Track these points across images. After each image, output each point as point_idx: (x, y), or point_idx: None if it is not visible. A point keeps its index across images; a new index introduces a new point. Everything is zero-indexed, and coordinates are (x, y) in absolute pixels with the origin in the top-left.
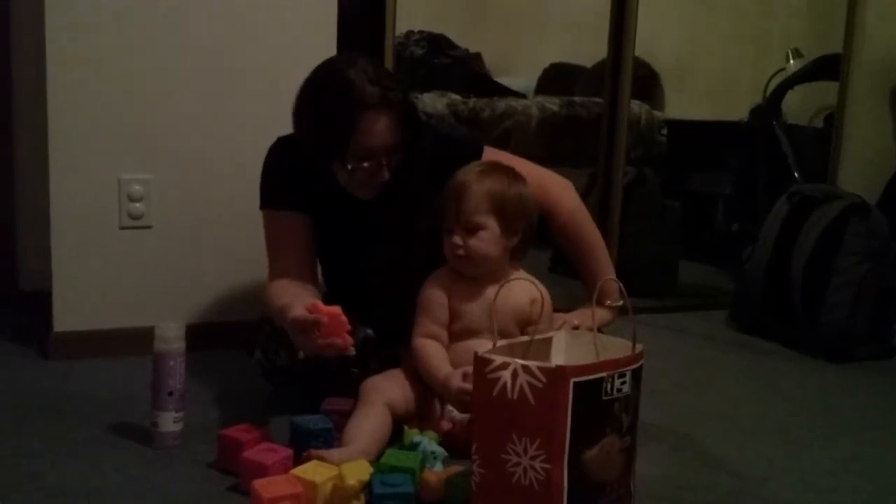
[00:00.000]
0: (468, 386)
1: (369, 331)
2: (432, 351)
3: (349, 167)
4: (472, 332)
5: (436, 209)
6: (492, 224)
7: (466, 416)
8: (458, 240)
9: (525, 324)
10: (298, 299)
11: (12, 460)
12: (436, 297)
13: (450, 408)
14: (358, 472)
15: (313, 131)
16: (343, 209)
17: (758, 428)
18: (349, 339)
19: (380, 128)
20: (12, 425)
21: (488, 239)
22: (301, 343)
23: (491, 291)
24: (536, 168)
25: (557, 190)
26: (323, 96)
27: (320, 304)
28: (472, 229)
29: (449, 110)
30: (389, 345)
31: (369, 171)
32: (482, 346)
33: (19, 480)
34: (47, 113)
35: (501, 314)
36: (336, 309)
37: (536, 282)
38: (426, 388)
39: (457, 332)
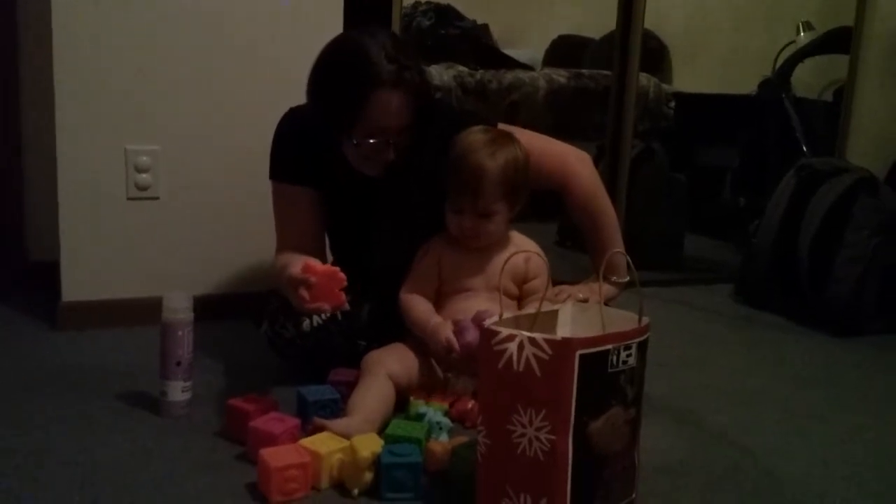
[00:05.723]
0: (455, 345)
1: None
2: (418, 303)
3: (354, 141)
4: (465, 290)
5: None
6: (504, 208)
7: (469, 385)
8: (469, 223)
9: (522, 280)
10: (299, 260)
11: (21, 430)
12: (427, 260)
13: (453, 378)
14: (370, 444)
15: (324, 100)
16: (352, 185)
17: (763, 401)
18: (342, 297)
19: (391, 107)
20: (21, 395)
21: (500, 222)
22: (293, 301)
23: (485, 254)
24: (554, 142)
25: (575, 163)
26: (338, 66)
27: (314, 264)
28: (487, 215)
29: (456, 82)
30: (394, 320)
31: (374, 147)
32: (475, 300)
33: (28, 450)
34: (54, 82)
35: (499, 273)
36: (330, 268)
37: (530, 241)
38: (429, 359)
39: (450, 291)
